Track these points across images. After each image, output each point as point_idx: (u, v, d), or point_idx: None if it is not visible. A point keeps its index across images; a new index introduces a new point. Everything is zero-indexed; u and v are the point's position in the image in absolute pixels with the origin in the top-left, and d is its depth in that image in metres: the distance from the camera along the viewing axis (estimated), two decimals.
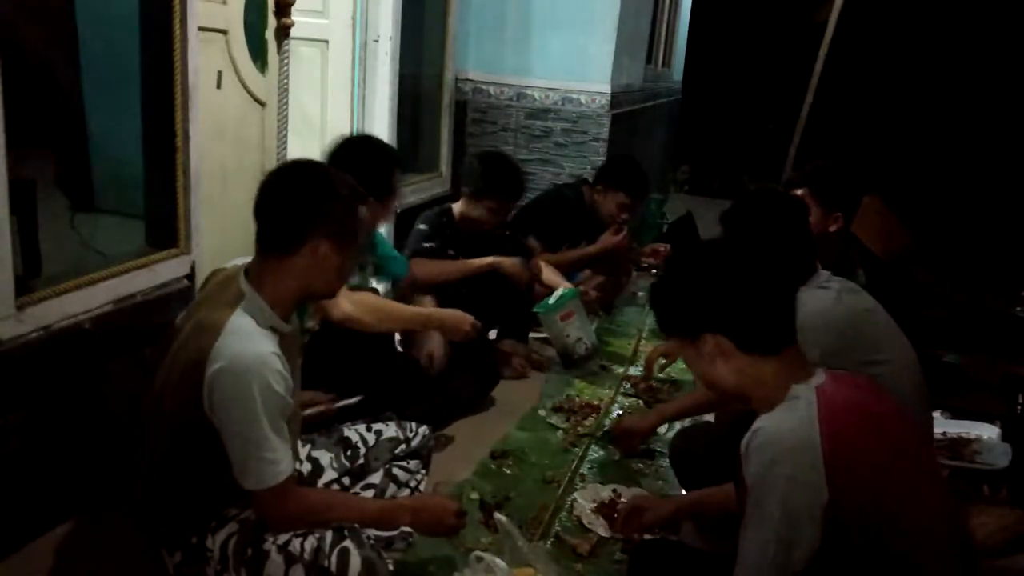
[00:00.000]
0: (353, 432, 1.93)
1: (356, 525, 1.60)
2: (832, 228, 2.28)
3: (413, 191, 4.09)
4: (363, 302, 2.35)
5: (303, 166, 1.64)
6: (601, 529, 2.19)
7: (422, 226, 3.14)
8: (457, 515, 1.72)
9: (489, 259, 3.12)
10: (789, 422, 1.28)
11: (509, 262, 3.15)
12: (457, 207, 3.24)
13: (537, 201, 3.93)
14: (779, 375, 1.35)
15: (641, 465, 2.63)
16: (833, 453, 1.23)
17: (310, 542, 1.52)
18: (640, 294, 4.54)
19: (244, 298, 1.50)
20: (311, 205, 1.54)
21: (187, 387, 1.45)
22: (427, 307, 2.81)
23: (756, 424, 1.30)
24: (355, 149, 2.43)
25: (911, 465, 1.33)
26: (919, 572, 1.27)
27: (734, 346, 1.36)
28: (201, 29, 2.31)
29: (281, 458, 1.46)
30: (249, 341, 1.45)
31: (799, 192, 2.31)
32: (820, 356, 1.67)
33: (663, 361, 3.01)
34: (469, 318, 2.58)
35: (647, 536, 2.09)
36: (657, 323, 1.54)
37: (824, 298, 1.86)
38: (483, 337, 3.27)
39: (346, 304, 2.25)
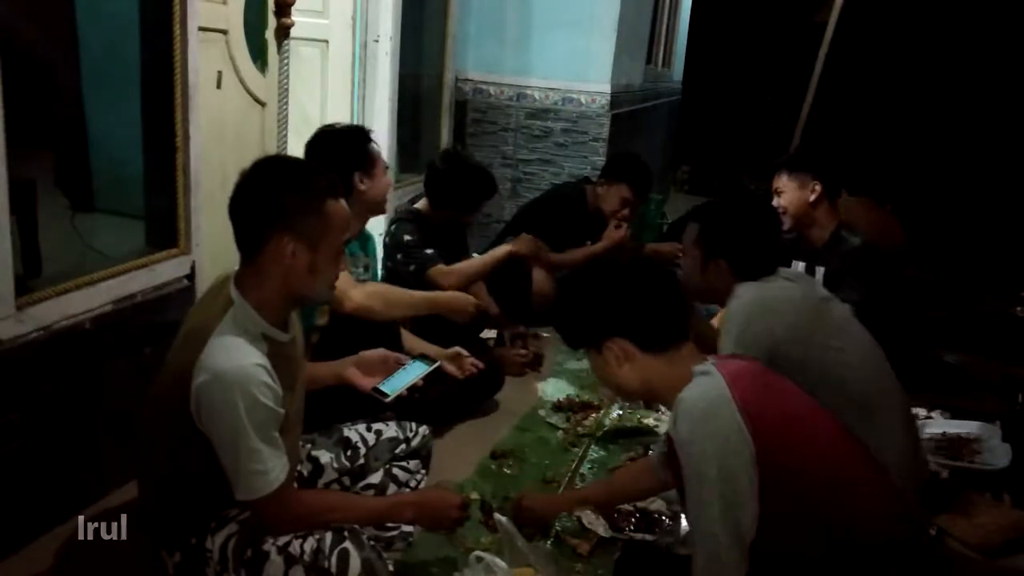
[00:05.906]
0: (353, 432, 1.93)
1: (357, 525, 1.60)
2: (812, 198, 2.35)
3: (414, 191, 4.09)
4: (373, 291, 2.38)
5: (263, 164, 1.54)
6: (601, 529, 2.18)
7: (408, 237, 2.94)
8: (460, 507, 1.70)
9: (506, 248, 3.20)
10: (703, 387, 1.39)
11: (523, 244, 3.24)
12: (424, 205, 3.09)
13: (539, 200, 3.92)
14: (681, 367, 1.46)
15: None
16: (745, 404, 1.33)
17: (310, 543, 1.51)
18: None
19: (233, 305, 1.48)
20: (264, 202, 1.48)
21: (178, 395, 1.44)
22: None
23: (678, 398, 1.40)
24: (323, 136, 2.41)
25: (814, 420, 1.44)
26: (857, 519, 1.34)
27: (636, 348, 1.48)
28: (201, 29, 2.31)
29: (271, 468, 1.44)
30: (234, 353, 1.42)
31: (781, 181, 2.42)
32: (782, 334, 1.81)
33: None
34: (472, 299, 2.62)
35: (647, 537, 2.10)
36: (564, 341, 1.67)
37: (778, 285, 1.94)
38: (484, 340, 3.28)
39: (357, 294, 2.26)
